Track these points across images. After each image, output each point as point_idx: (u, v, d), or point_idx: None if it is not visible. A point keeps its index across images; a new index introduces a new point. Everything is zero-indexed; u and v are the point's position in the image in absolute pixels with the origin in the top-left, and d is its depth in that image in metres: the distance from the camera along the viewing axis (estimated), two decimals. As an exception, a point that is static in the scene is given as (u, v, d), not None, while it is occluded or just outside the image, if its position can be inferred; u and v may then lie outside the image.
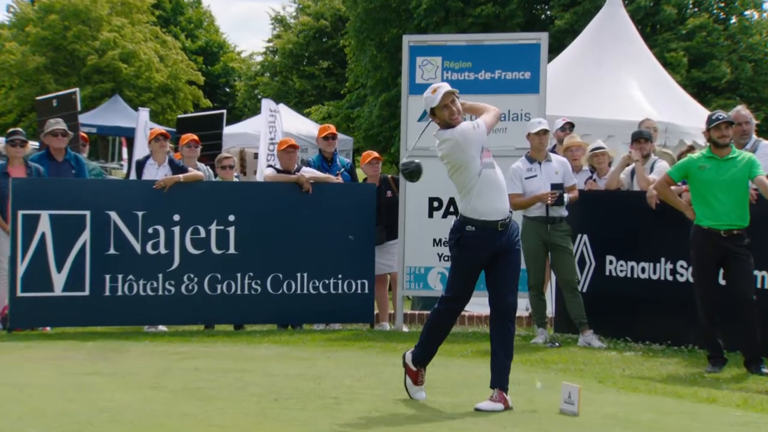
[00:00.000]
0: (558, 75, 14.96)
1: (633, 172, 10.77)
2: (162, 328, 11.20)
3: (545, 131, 10.25)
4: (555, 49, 18.51)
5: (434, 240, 11.30)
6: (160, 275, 10.90)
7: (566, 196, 10.33)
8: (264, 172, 12.26)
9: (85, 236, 10.67)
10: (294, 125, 24.61)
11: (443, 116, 6.79)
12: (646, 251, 10.19)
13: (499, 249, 6.75)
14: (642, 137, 10.69)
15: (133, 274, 10.81)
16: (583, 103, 14.79)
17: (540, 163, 10.29)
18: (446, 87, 6.83)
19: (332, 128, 12.08)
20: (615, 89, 15.42)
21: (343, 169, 11.80)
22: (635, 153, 10.57)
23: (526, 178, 10.23)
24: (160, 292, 10.89)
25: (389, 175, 12.02)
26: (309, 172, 11.29)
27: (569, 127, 12.23)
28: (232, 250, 10.98)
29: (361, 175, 12.49)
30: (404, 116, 11.17)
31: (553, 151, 11.00)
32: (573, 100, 14.68)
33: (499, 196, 6.78)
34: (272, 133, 16.68)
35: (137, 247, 10.83)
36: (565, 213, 10.33)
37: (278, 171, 11.40)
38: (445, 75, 11.14)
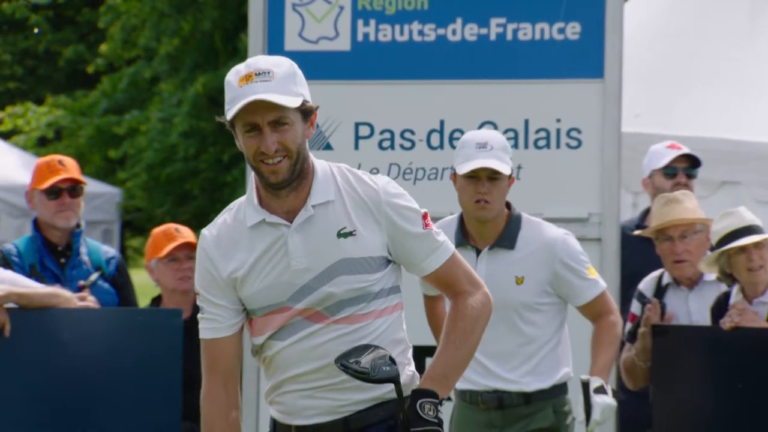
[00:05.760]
0: (658, 30, 8.79)
1: None
2: None
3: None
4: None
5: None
6: None
7: None
8: None
9: None
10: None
11: (249, 148, 3.56)
12: None
13: None
14: None
15: None
16: (720, 103, 8.21)
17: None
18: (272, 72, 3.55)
19: (69, 166, 7.34)
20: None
21: (97, 274, 7.34)
22: None
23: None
24: None
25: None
26: (5, 284, 6.79)
27: (685, 167, 7.23)
28: None
29: (144, 286, 8.23)
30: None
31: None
32: (693, 93, 8.40)
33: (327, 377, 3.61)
34: None
35: None
36: None
37: None
38: (363, 29, 6.69)
